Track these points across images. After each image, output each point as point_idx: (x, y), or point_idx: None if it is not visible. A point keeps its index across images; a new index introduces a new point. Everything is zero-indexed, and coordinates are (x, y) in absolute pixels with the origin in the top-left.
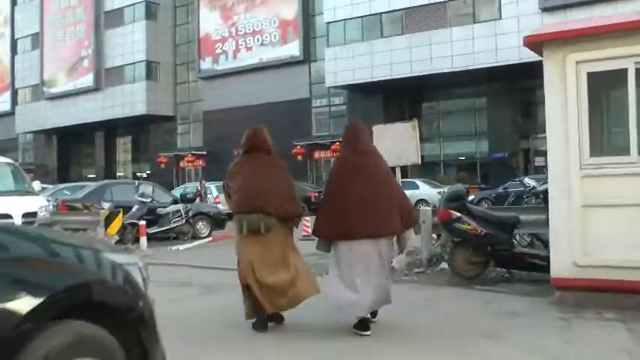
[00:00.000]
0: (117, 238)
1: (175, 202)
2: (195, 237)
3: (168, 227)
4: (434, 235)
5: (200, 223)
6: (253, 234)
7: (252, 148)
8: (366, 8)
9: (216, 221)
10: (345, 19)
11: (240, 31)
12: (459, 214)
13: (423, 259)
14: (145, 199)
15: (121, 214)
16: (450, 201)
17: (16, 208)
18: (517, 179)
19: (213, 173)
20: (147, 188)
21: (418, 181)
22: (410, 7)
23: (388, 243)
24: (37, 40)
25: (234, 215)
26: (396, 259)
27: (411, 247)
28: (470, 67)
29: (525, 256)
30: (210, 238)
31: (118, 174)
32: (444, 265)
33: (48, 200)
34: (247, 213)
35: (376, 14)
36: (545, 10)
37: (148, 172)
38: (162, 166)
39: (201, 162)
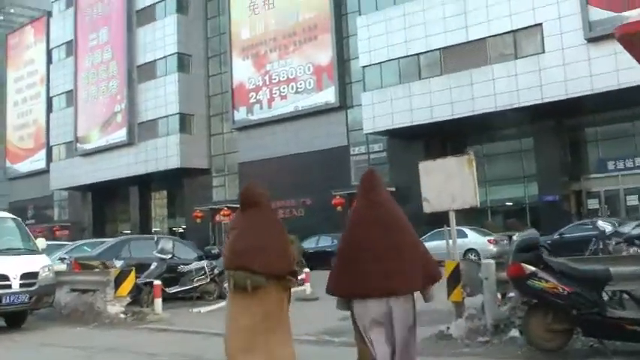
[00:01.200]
0: (129, 299)
1: (200, 258)
2: (222, 297)
3: (190, 287)
4: (498, 295)
5: None
6: (241, 293)
7: (245, 205)
8: (402, 50)
9: None
10: (381, 62)
11: (274, 79)
12: (533, 269)
13: (488, 325)
14: (164, 256)
15: (132, 273)
16: (521, 251)
17: (14, 268)
18: (588, 222)
19: None
20: (167, 244)
21: (465, 229)
22: (448, 47)
23: (409, 301)
24: (71, 97)
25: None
26: (454, 325)
27: (472, 310)
28: (514, 105)
29: (622, 321)
30: None
31: (153, 229)
32: (515, 332)
33: (62, 259)
34: (234, 270)
35: (413, 55)
36: (591, 40)
37: (184, 226)
38: (198, 220)
39: None
